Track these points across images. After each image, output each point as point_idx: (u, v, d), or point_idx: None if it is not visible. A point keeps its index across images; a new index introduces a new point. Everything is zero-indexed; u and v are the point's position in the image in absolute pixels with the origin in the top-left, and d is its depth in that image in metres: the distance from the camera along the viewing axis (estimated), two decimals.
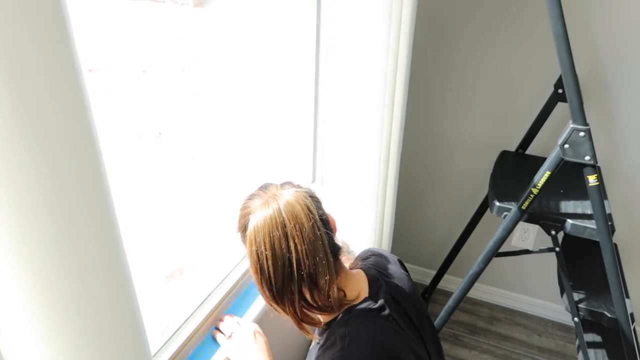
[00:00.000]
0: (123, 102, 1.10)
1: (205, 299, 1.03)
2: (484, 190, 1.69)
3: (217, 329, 1.03)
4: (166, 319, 0.96)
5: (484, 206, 1.77)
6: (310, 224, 0.77)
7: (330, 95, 1.27)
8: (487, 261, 1.39)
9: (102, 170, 0.44)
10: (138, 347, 0.54)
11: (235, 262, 1.15)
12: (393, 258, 1.00)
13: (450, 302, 1.52)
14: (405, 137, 1.51)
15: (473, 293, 2.12)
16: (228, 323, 1.03)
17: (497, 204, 1.36)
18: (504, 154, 1.69)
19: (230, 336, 0.99)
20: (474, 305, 2.13)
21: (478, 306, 2.13)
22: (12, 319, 0.43)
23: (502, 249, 1.39)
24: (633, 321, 1.32)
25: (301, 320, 0.81)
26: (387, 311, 0.84)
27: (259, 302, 1.10)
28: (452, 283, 2.13)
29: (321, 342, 0.84)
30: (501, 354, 1.91)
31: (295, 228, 0.75)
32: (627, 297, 1.34)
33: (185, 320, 0.97)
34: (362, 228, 1.42)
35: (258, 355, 0.96)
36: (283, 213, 0.75)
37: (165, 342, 0.92)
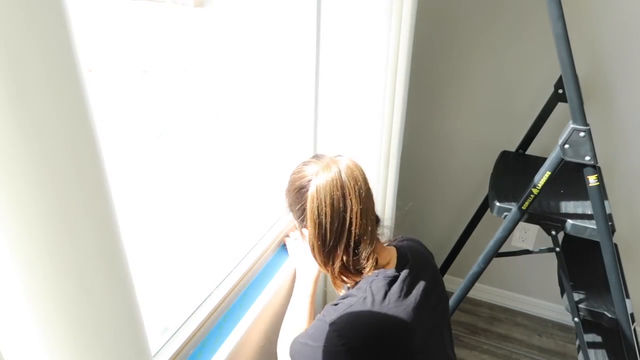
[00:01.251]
0: (123, 102, 1.10)
1: (205, 299, 1.03)
2: (484, 191, 1.69)
3: (286, 237, 1.25)
4: (166, 319, 0.96)
5: (484, 206, 1.77)
6: (365, 187, 0.88)
7: (331, 95, 1.27)
8: (487, 261, 1.39)
9: (103, 170, 0.44)
10: (138, 347, 0.54)
11: (236, 262, 1.15)
12: (425, 249, 1.07)
13: (451, 302, 1.52)
14: (406, 137, 1.51)
15: (473, 293, 2.13)
16: (294, 233, 1.24)
17: (498, 204, 1.36)
18: (504, 154, 1.69)
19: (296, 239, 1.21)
20: (474, 305, 2.13)
21: (478, 306, 2.13)
22: (12, 319, 0.43)
23: (503, 249, 1.39)
24: (633, 321, 1.32)
25: (336, 277, 0.92)
26: (404, 286, 0.89)
27: (260, 302, 1.10)
28: (452, 283, 2.13)
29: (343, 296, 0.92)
30: (502, 354, 1.91)
31: (354, 189, 0.86)
32: (627, 297, 1.34)
33: (186, 321, 0.97)
34: None
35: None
36: (343, 175, 0.86)
37: (166, 342, 0.91)
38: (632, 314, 1.32)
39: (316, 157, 0.94)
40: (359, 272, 0.91)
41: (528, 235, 1.91)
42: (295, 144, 1.39)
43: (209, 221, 1.31)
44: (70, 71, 0.39)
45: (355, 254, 0.89)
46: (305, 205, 0.88)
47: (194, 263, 1.22)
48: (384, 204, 1.45)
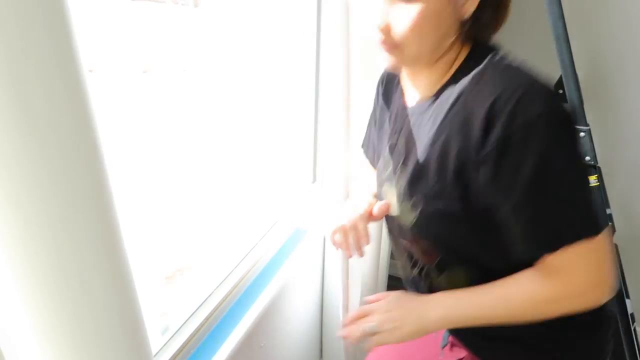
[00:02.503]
0: (124, 103, 1.11)
1: (206, 299, 1.03)
2: None
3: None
4: (167, 318, 0.96)
5: None
6: None
7: (331, 95, 1.27)
8: None
9: (104, 170, 0.44)
10: (138, 347, 0.54)
11: (236, 261, 1.15)
12: None
13: None
14: None
15: None
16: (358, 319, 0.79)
17: None
18: None
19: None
20: None
21: None
22: (13, 319, 0.43)
23: None
24: (633, 321, 1.32)
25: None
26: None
27: (261, 301, 1.10)
28: None
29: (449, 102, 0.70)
30: None
31: None
32: (627, 297, 1.34)
33: (186, 320, 0.97)
34: None
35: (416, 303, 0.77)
36: None
37: (166, 342, 0.92)
38: (632, 314, 1.32)
39: None
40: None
41: None
42: (295, 144, 1.39)
43: (209, 220, 1.31)
44: (72, 72, 0.39)
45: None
46: None
47: (195, 263, 1.23)
48: None
